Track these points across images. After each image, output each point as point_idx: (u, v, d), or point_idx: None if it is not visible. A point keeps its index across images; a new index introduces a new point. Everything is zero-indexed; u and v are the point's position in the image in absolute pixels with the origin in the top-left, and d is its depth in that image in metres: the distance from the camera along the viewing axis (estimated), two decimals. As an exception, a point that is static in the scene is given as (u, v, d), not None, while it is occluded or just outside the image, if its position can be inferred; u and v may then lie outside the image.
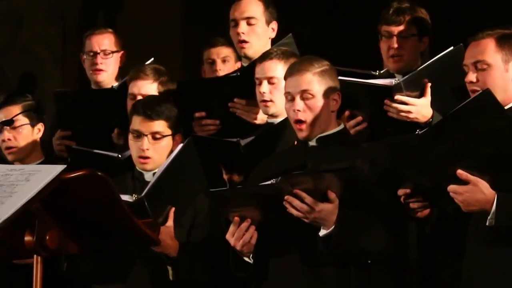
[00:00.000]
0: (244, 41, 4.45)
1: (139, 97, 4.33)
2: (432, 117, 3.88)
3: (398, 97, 3.86)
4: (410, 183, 3.43)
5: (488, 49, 3.43)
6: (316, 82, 3.65)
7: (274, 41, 4.51)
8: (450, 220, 3.48)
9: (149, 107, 3.98)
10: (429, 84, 3.89)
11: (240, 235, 3.55)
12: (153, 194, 3.72)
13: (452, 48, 3.95)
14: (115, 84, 4.80)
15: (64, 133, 4.72)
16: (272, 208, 3.50)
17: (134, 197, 3.71)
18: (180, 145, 3.90)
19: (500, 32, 3.45)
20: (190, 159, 3.91)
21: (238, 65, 5.14)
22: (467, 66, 3.48)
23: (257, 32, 4.46)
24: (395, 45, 4.17)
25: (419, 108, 3.87)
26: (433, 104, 3.90)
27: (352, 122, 3.99)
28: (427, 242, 3.77)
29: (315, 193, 3.43)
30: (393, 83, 3.88)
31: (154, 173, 3.91)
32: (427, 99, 3.89)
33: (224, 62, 5.18)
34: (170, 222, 3.80)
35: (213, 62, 5.19)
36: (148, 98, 4.19)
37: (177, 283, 3.83)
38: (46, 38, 7.65)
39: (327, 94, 3.66)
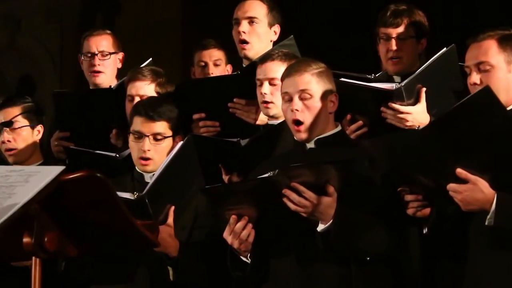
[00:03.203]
0: (245, 41, 4.43)
1: (137, 98, 4.31)
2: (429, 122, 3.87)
3: (392, 105, 3.85)
4: (409, 181, 3.41)
5: (491, 50, 3.40)
6: (314, 82, 3.64)
7: (275, 44, 4.49)
8: (451, 221, 3.45)
9: (151, 108, 3.96)
10: (424, 90, 3.88)
11: (237, 234, 3.52)
12: (154, 192, 3.70)
13: (444, 49, 3.94)
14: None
15: (62, 134, 4.70)
16: (269, 204, 3.46)
17: (135, 195, 3.68)
18: (180, 144, 3.88)
19: (501, 33, 3.43)
20: (189, 158, 3.89)
21: (229, 68, 5.13)
22: (469, 68, 3.45)
23: (258, 32, 4.45)
24: (394, 47, 4.17)
25: (415, 115, 3.85)
26: (431, 108, 3.88)
27: (353, 127, 3.97)
28: (429, 243, 3.75)
29: (313, 186, 3.40)
30: (394, 87, 3.86)
31: (153, 174, 3.89)
32: (422, 105, 3.88)
33: (216, 65, 5.17)
34: (170, 221, 3.79)
35: (205, 65, 5.17)
36: (149, 99, 4.17)
37: (177, 284, 3.81)
38: (44, 41, 7.65)
39: (324, 95, 3.65)
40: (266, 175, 3.40)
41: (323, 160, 3.43)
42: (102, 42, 4.91)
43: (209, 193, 3.59)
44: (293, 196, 3.40)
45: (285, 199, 3.41)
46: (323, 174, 3.41)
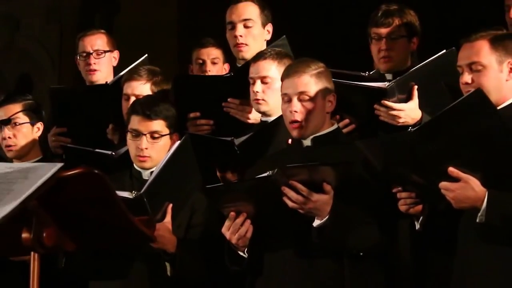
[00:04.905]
0: (242, 44, 4.43)
1: (133, 98, 4.32)
2: (421, 119, 3.88)
3: (384, 102, 3.86)
4: (402, 179, 3.42)
5: (483, 51, 3.40)
6: (313, 83, 3.64)
7: (268, 43, 4.49)
8: (442, 217, 3.46)
9: (148, 107, 3.97)
10: (416, 87, 3.89)
11: (235, 229, 3.54)
12: (152, 191, 3.71)
13: (444, 51, 3.93)
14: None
15: (59, 130, 4.70)
16: (266, 201, 3.48)
17: (134, 193, 3.69)
18: (177, 143, 3.88)
19: (493, 33, 3.43)
20: (187, 156, 3.90)
21: (226, 66, 5.14)
22: (461, 68, 3.45)
23: (254, 34, 4.45)
24: (385, 47, 4.16)
25: (407, 112, 3.86)
26: (424, 107, 3.89)
27: (340, 125, 3.97)
28: (420, 239, 3.76)
29: (310, 183, 3.41)
30: (386, 85, 3.87)
31: (151, 172, 3.89)
32: (414, 102, 3.89)
33: (213, 63, 5.17)
34: (168, 218, 3.80)
35: (203, 63, 5.17)
36: (146, 98, 4.17)
37: (174, 280, 3.81)
38: (43, 41, 7.63)
39: (323, 95, 3.65)
40: (265, 174, 3.42)
41: (322, 161, 3.44)
42: (97, 41, 4.93)
43: (209, 192, 3.60)
44: (291, 194, 3.42)
45: (283, 196, 3.42)
46: (321, 173, 3.42)
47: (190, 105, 4.32)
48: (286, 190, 3.42)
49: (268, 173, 3.41)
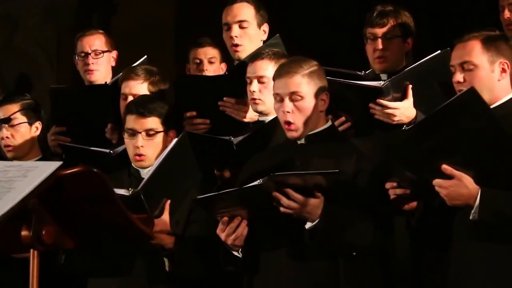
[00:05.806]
0: (237, 45, 4.44)
1: (130, 97, 4.33)
2: (415, 117, 3.90)
3: (380, 101, 3.87)
4: (396, 176, 3.43)
5: (475, 51, 3.43)
6: (305, 83, 3.63)
7: (264, 43, 4.50)
8: (438, 214, 3.47)
9: (142, 105, 3.98)
10: (410, 86, 3.91)
11: (230, 232, 3.54)
12: (149, 187, 3.71)
13: (439, 51, 3.96)
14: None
15: (59, 129, 4.71)
16: (259, 205, 3.49)
17: (131, 191, 3.69)
18: (175, 140, 3.89)
19: (486, 34, 3.46)
20: (184, 153, 3.90)
21: (223, 66, 5.15)
22: (454, 67, 3.48)
23: (250, 35, 4.46)
24: (380, 47, 4.19)
25: (402, 110, 3.88)
26: (418, 106, 3.91)
27: (336, 123, 3.98)
28: (416, 236, 3.77)
29: (302, 187, 3.42)
30: (382, 84, 3.88)
31: (149, 170, 3.89)
32: (409, 101, 3.91)
33: (210, 63, 5.18)
34: (166, 215, 3.80)
35: (200, 62, 5.18)
36: (140, 97, 4.19)
37: (173, 275, 3.82)
38: (41, 41, 7.63)
39: (316, 94, 3.65)
40: (256, 182, 3.42)
41: (311, 171, 3.46)
42: (95, 42, 4.93)
43: (200, 203, 3.60)
44: (283, 200, 3.43)
45: (275, 202, 3.43)
46: (311, 179, 3.43)
47: (188, 104, 4.33)
48: (278, 196, 3.43)
49: (258, 181, 3.41)
